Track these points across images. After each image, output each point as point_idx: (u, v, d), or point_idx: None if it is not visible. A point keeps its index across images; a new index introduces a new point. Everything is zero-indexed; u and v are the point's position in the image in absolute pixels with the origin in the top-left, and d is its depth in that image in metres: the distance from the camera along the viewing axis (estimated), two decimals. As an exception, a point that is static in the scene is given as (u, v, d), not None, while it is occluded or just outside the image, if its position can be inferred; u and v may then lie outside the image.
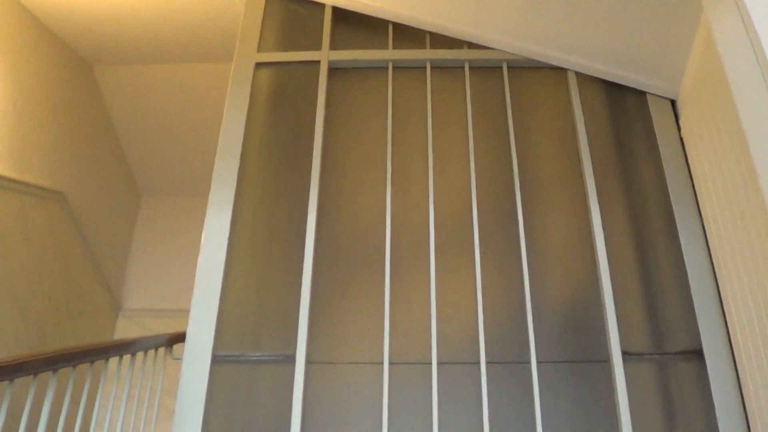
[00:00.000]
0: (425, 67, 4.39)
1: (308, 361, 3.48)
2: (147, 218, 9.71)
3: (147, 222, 9.68)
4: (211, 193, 3.93)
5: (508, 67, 4.35)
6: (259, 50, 4.48)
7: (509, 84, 4.29)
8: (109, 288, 8.69)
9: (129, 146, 9.11)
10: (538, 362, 3.43)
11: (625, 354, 3.41)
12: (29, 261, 6.73)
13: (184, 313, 3.67)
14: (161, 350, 4.83)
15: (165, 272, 9.26)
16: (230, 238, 3.80)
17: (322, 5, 4.63)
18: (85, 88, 8.01)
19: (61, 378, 3.75)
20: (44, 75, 7.11)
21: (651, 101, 4.13)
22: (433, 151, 4.07)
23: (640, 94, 4.17)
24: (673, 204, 3.76)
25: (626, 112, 4.14)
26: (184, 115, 8.55)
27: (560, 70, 4.30)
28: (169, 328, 5.25)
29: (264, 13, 4.64)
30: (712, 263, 3.56)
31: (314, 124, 4.16)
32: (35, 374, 3.45)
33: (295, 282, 3.68)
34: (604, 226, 3.73)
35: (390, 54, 4.41)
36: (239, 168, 4.01)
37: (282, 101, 4.32)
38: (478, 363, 3.45)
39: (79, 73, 7.83)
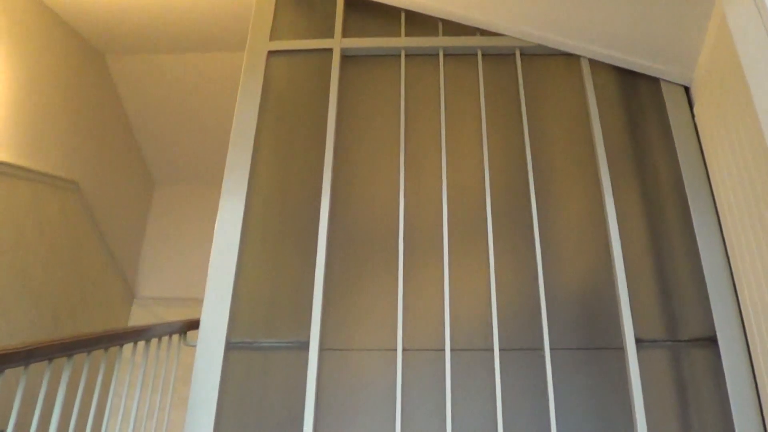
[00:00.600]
0: (438, 55, 4.39)
1: (322, 348, 3.49)
2: (160, 207, 9.74)
3: (160, 210, 9.71)
4: (224, 182, 3.94)
5: (521, 54, 4.34)
6: (271, 38, 4.48)
7: (522, 71, 4.29)
8: (123, 276, 8.73)
9: (142, 135, 9.14)
10: (552, 349, 3.44)
11: (639, 341, 3.40)
12: (43, 249, 6.76)
13: (198, 301, 3.69)
14: (175, 337, 4.85)
15: (179, 261, 9.30)
16: (243, 226, 3.80)
17: (335, -7, 4.64)
18: (98, 77, 8.04)
19: (76, 364, 3.78)
20: (57, 65, 7.13)
21: (664, 87, 4.12)
22: (446, 138, 4.07)
23: (654, 81, 4.16)
24: (687, 190, 3.75)
25: (640, 99, 4.14)
26: (197, 104, 8.57)
27: (573, 57, 4.29)
28: (182, 316, 5.28)
29: (276, 1, 4.64)
30: (726, 250, 3.55)
31: (327, 112, 4.16)
32: (50, 360, 3.47)
33: (308, 269, 3.68)
34: (618, 213, 3.73)
35: (402, 41, 4.41)
36: (252, 156, 4.01)
37: (295, 89, 4.33)
38: (492, 350, 3.45)
39: (91, 62, 7.86)
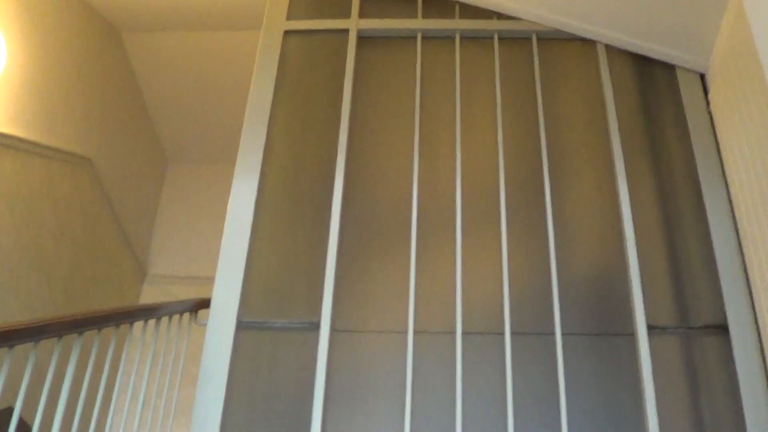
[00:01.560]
0: (454, 38, 4.37)
1: (333, 329, 3.48)
2: (173, 185, 9.75)
3: (173, 189, 9.72)
4: (237, 160, 3.94)
5: (538, 39, 4.33)
6: (288, 18, 4.47)
7: (538, 55, 4.28)
8: (135, 254, 8.73)
9: (156, 113, 9.14)
10: (563, 334, 3.43)
11: (650, 327, 3.40)
12: (56, 226, 6.78)
13: (210, 280, 3.68)
14: (186, 315, 4.85)
15: (191, 239, 9.31)
16: (256, 205, 3.80)
17: (352, -27, 4.62)
18: (114, 54, 8.04)
19: (86, 341, 3.78)
20: (73, 41, 7.13)
21: (680, 75, 4.10)
22: (461, 122, 4.06)
23: (669, 68, 4.15)
24: (700, 177, 3.74)
25: (655, 86, 4.12)
26: (212, 83, 8.56)
27: (589, 42, 4.28)
28: (194, 294, 5.27)
29: (293, -20, 4.63)
30: (738, 238, 3.54)
31: (342, 93, 4.15)
32: (60, 337, 3.47)
33: (320, 250, 3.68)
34: (631, 199, 3.71)
35: (419, 23, 4.40)
36: (266, 136, 4.01)
37: (311, 69, 4.32)
38: (503, 333, 3.45)
39: (107, 39, 7.85)
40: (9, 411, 3.96)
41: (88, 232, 7.53)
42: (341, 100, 4.13)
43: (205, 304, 4.80)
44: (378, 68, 4.31)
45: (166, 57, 8.29)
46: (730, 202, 3.64)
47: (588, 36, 4.23)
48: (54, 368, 3.49)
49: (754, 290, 3.35)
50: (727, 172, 3.67)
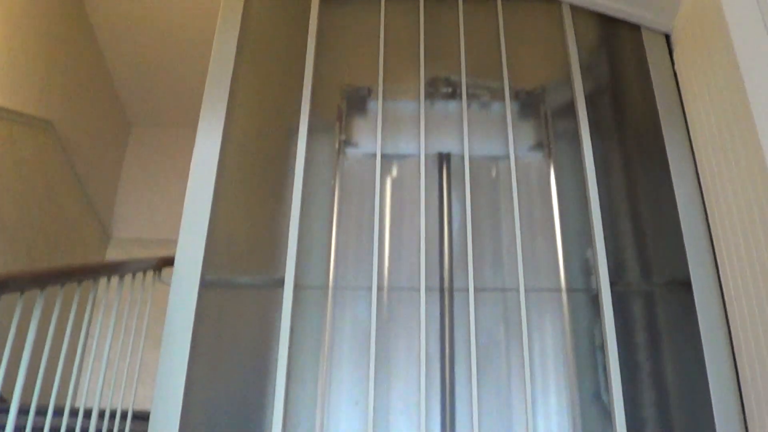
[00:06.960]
0: (418, -1, 4.37)
1: (296, 286, 3.48)
2: (137, 148, 9.73)
3: (137, 152, 9.70)
4: (200, 119, 3.91)
5: (503, 0, 4.32)
6: (251, -22, 4.45)
7: (504, 17, 4.27)
8: (99, 217, 8.71)
9: (119, 76, 9.09)
10: (526, 290, 3.44)
11: (613, 284, 3.41)
12: (19, 189, 6.74)
13: (174, 243, 3.67)
14: (150, 274, 4.85)
15: (155, 202, 9.31)
16: (220, 162, 3.78)
17: (316, -68, 4.60)
18: (75, 17, 7.98)
19: (49, 298, 3.76)
20: (34, 4, 7.07)
21: (645, 35, 4.11)
22: (426, 84, 4.06)
23: (635, 28, 4.15)
24: (665, 137, 3.76)
25: (620, 46, 4.13)
26: (175, 45, 8.53)
27: (555, 4, 4.28)
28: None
29: (257, -60, 4.60)
30: (702, 195, 3.56)
31: (305, 54, 4.14)
32: (22, 291, 3.45)
33: (285, 206, 3.67)
34: (595, 158, 3.73)
35: (383, -16, 4.39)
36: (229, 95, 3.99)
37: (273, 31, 4.30)
38: (467, 291, 3.46)
39: (69, 2, 7.79)
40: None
41: (52, 196, 7.50)
42: (304, 60, 4.11)
43: (168, 261, 4.80)
44: (342, 29, 4.30)
45: (128, 18, 8.25)
46: (694, 159, 3.66)
47: (553, -4, 4.24)
48: (16, 324, 3.47)
49: (717, 247, 3.37)
50: (692, 131, 3.69)
